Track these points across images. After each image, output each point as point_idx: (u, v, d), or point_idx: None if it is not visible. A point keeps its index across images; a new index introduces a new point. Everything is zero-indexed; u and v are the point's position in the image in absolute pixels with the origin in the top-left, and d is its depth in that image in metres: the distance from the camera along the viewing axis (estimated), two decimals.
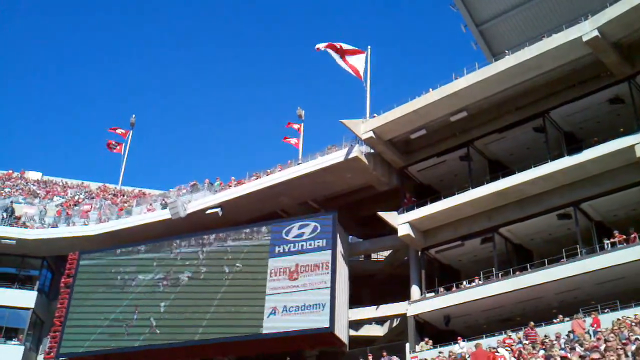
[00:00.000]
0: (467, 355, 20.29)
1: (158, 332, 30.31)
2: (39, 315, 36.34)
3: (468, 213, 27.28)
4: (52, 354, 32.05)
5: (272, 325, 28.11)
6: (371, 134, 28.16)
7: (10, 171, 49.54)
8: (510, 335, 21.48)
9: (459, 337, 24.58)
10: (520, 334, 22.06)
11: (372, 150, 29.24)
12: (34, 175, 49.47)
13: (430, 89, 27.09)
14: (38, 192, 44.04)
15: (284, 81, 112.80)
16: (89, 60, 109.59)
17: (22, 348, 34.60)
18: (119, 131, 48.50)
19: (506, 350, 18.21)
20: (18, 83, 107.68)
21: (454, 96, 26.32)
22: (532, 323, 22.12)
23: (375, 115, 28.87)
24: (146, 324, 30.75)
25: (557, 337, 19.45)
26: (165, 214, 33.34)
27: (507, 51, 26.19)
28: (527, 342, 20.36)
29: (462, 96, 26.29)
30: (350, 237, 32.84)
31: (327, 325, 27.14)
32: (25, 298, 35.86)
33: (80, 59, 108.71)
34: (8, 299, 35.58)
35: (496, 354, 16.91)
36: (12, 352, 34.36)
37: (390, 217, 29.06)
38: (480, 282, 26.23)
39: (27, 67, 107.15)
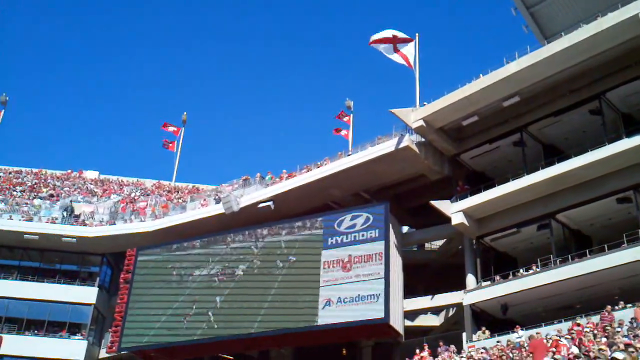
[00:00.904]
0: (525, 344, 19.90)
1: (215, 325, 30.71)
2: (100, 310, 37.35)
3: (523, 199, 26.73)
4: (114, 347, 32.89)
5: (327, 316, 28.16)
6: (422, 122, 27.86)
7: (70, 171, 51.02)
8: (578, 322, 20.88)
9: (517, 326, 24.13)
10: (584, 320, 21.43)
11: (423, 139, 28.93)
12: (91, 174, 50.80)
13: (481, 75, 26.65)
14: (96, 190, 45.20)
15: (332, 73, 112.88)
16: (143, 59, 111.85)
17: (85, 343, 35.63)
18: (170, 129, 49.71)
19: (566, 338, 17.77)
20: (75, 86, 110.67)
21: (505, 81, 25.80)
22: (608, 307, 21.24)
23: (425, 103, 28.55)
24: (203, 318, 31.18)
25: (620, 324, 18.89)
26: (218, 209, 33.75)
27: (561, 33, 25.49)
28: (603, 324, 19.77)
29: (514, 80, 25.74)
30: (403, 227, 32.63)
31: (382, 315, 27.03)
32: (86, 294, 36.91)
33: (135, 58, 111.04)
34: (70, 295, 36.71)
35: (558, 342, 16.52)
36: (76, 346, 35.45)
37: (443, 205, 28.75)
38: (538, 270, 25.67)
39: (82, 71, 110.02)
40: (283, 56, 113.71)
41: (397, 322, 28.20)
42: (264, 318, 29.70)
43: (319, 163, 32.09)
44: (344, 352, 32.19)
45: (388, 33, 30.11)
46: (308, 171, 32.17)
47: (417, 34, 31.37)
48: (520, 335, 22.80)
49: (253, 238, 32.27)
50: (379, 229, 28.92)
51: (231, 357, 33.69)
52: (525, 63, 25.18)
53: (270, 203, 32.26)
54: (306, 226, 31.07)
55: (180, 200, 40.39)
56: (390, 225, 29.23)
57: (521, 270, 26.62)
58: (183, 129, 51.46)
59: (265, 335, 29.66)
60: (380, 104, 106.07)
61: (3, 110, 48.72)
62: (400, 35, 30.21)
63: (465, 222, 27.79)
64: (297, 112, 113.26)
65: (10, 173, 49.19)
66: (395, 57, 30.13)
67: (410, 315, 29.87)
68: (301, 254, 30.57)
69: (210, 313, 31.18)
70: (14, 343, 34.78)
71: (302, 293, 29.44)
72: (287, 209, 32.38)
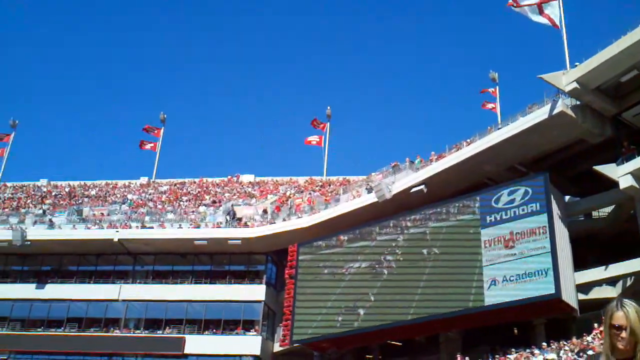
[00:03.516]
0: None
1: (381, 313, 30.89)
2: (269, 306, 38.88)
3: None
4: (286, 341, 34.14)
5: (494, 296, 27.39)
6: (575, 84, 26.20)
7: (230, 177, 53.64)
8: None
9: None
10: None
11: (578, 102, 27.23)
12: (247, 178, 53.04)
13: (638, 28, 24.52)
14: (253, 193, 47.11)
15: (472, 46, 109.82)
16: (292, 59, 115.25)
17: (259, 338, 37.24)
18: (319, 125, 51.10)
19: None
20: (224, 97, 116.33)
21: None
22: None
23: (577, 64, 26.84)
24: (368, 308, 31.45)
25: None
26: (371, 198, 33.90)
27: None
28: None
29: None
30: (566, 197, 30.93)
31: (552, 291, 25.83)
32: (255, 292, 38.59)
33: (275, 59, 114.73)
34: (241, 294, 38.57)
35: None
36: (251, 342, 37.15)
37: (609, 170, 26.88)
38: None
39: (231, 83, 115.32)
40: (425, 35, 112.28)
41: (570, 297, 26.82)
42: (430, 303, 29.45)
43: (468, 140, 31.28)
44: (516, 331, 31.12)
45: None
46: (458, 150, 31.45)
47: None
48: None
49: (407, 224, 32.06)
50: (540, 202, 27.63)
51: (399, 344, 33.73)
52: None
53: (422, 187, 31.90)
54: (462, 206, 30.38)
55: (332, 194, 41.06)
56: (552, 196, 27.83)
57: None
58: (328, 124, 52.50)
59: (431, 319, 29.38)
60: (525, 72, 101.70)
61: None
62: None
63: (636, 185, 25.77)
64: (440, 91, 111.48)
65: (175, 185, 52.58)
66: (539, 19, 28.60)
67: (584, 288, 28.23)
68: (459, 234, 29.95)
69: (369, 302, 31.40)
70: (195, 343, 37.30)
71: (464, 274, 28.85)
72: (440, 191, 31.87)
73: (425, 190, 31.85)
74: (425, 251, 30.80)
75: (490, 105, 38.68)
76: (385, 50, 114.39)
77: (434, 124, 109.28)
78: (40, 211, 44.88)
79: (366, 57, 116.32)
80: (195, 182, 53.05)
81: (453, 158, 31.18)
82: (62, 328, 39.39)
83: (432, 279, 29.87)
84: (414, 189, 32.25)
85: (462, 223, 29.97)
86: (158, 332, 38.43)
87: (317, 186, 46.70)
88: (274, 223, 38.64)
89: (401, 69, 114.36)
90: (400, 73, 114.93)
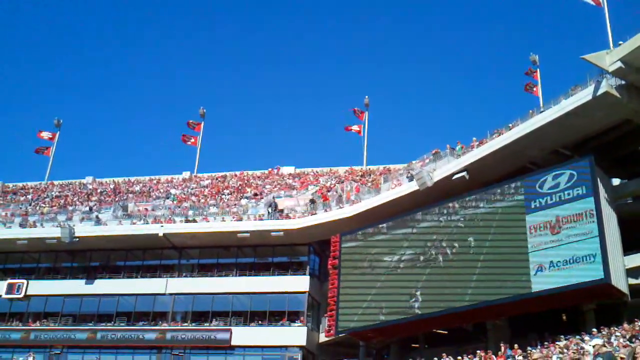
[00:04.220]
0: None
1: (426, 301, 30.70)
2: (314, 297, 39.04)
3: None
4: (331, 331, 34.22)
5: (541, 282, 26.94)
6: (619, 64, 25.40)
7: (270, 169, 53.96)
8: None
9: None
10: None
11: (623, 82, 26.45)
12: (287, 169, 53.27)
13: None
14: (294, 184, 47.28)
15: (512, 29, 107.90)
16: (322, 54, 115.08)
17: (305, 329, 37.42)
18: (357, 114, 51.31)
19: None
20: (267, 89, 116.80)
21: None
22: None
23: (620, 43, 26.09)
24: (412, 296, 31.28)
25: None
26: (412, 186, 33.66)
27: None
28: None
29: None
30: (613, 179, 30.21)
31: (601, 276, 25.26)
32: (299, 283, 38.76)
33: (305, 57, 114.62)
34: (285, 285, 38.81)
35: None
36: (297, 332, 37.37)
37: None
38: None
39: (264, 75, 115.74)
40: (463, 20, 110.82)
41: (620, 282, 26.22)
42: (473, 291, 29.13)
43: (510, 125, 30.75)
44: (564, 317, 30.58)
45: None
46: (499, 135, 30.95)
47: None
48: None
49: (450, 213, 31.70)
50: (586, 185, 27.03)
51: (445, 332, 33.50)
52: None
53: (464, 173, 31.56)
54: (505, 192, 29.90)
55: (373, 183, 40.91)
56: (598, 180, 27.19)
57: None
58: (366, 113, 52.61)
59: (477, 307, 29.07)
60: (567, 54, 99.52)
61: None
62: None
63: None
64: (479, 76, 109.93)
65: (216, 179, 53.11)
66: None
67: (634, 272, 27.53)
68: (503, 221, 29.52)
69: (417, 290, 31.22)
70: (241, 334, 37.74)
71: (510, 261, 28.45)
72: (483, 177, 31.47)
73: (467, 176, 31.49)
74: (470, 238, 30.44)
75: (532, 88, 37.93)
76: (424, 35, 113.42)
77: (475, 110, 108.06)
78: (87, 208, 45.90)
79: (403, 44, 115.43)
80: (236, 176, 53.51)
81: (495, 143, 30.71)
82: (112, 322, 40.28)
83: (477, 267, 29.51)
84: (455, 176, 31.92)
85: (506, 209, 29.51)
86: (205, 324, 38.98)
87: (357, 176, 46.60)
88: (315, 214, 38.70)
89: (440, 55, 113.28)
90: (439, 59, 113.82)
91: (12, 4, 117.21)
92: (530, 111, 30.32)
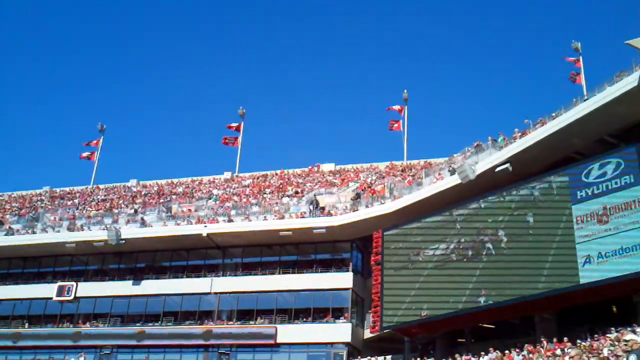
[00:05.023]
0: None
1: (466, 295, 30.39)
2: (357, 293, 38.96)
3: None
4: (376, 327, 34.11)
5: (589, 273, 26.37)
6: None
7: (310, 167, 54.10)
8: None
9: None
10: None
11: None
12: (327, 167, 53.33)
13: None
14: (334, 181, 47.28)
15: (552, 15, 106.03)
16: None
17: (349, 325, 37.39)
18: (396, 107, 51.19)
19: None
20: (304, 88, 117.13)
21: None
22: None
23: None
24: (457, 290, 31.01)
25: None
26: (454, 180, 33.34)
27: None
28: None
29: None
30: None
31: None
32: (343, 280, 38.76)
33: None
34: (329, 282, 38.85)
35: None
36: (342, 329, 37.38)
37: None
38: None
39: (303, 72, 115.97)
40: (503, 9, 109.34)
41: None
42: (521, 285, 28.65)
43: (553, 114, 30.20)
44: (614, 309, 29.90)
45: None
46: (543, 125, 30.42)
47: None
48: None
49: (494, 204, 31.30)
50: (634, 174, 26.31)
51: (492, 326, 33.07)
52: None
53: (507, 165, 31.12)
54: (550, 183, 29.38)
55: (414, 178, 40.64)
56: None
57: None
58: (406, 107, 52.39)
59: (525, 300, 28.64)
60: (609, 40, 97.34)
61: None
62: None
63: None
64: (519, 66, 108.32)
65: (257, 178, 53.48)
66: None
67: None
68: (548, 211, 29.01)
69: (461, 283, 30.93)
70: (286, 332, 37.93)
71: (556, 253, 27.94)
72: (526, 169, 30.98)
73: (510, 168, 31.05)
74: (515, 231, 30.03)
75: (575, 76, 37.17)
76: (461, 26, 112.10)
77: (516, 100, 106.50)
78: (132, 210, 46.68)
79: (441, 35, 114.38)
80: (277, 174, 53.80)
81: (538, 134, 30.19)
82: (159, 322, 40.91)
83: (524, 259, 29.06)
84: (498, 168, 31.50)
85: (552, 200, 29.01)
86: (250, 322, 39.29)
87: (398, 171, 46.38)
88: (357, 210, 38.63)
89: (479, 45, 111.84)
90: (478, 50, 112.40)
91: (62, 10, 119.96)
92: (574, 100, 29.73)
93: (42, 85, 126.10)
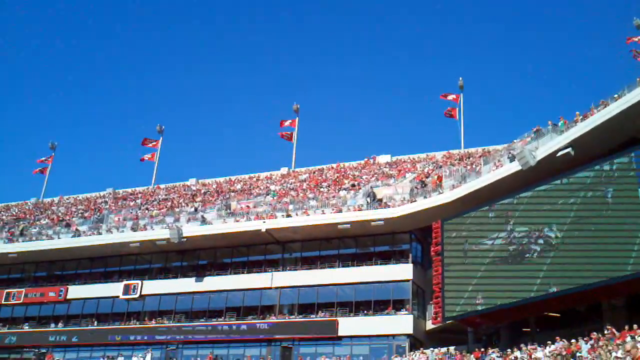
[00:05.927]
0: None
1: (528, 284, 29.69)
2: (418, 284, 38.70)
3: None
4: (438, 318, 33.74)
5: None
6: None
7: (366, 159, 53.95)
8: None
9: None
10: None
11: None
12: (383, 158, 53.06)
13: None
14: (391, 173, 46.98)
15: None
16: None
17: (411, 317, 37.17)
18: (450, 97, 50.60)
19: None
20: (358, 80, 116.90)
21: None
22: None
23: None
24: (521, 278, 30.32)
25: None
26: (514, 167, 32.63)
27: None
28: None
29: None
30: None
31: None
32: (403, 271, 38.56)
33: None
34: (389, 274, 38.72)
35: None
36: (404, 321, 37.19)
37: None
38: None
39: (357, 68, 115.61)
40: None
41: None
42: (586, 273, 27.73)
43: (616, 95, 29.19)
44: None
45: None
46: (605, 107, 29.44)
47: None
48: None
49: (557, 190, 30.47)
50: None
51: (557, 315, 32.28)
52: None
53: (569, 149, 30.23)
54: (615, 166, 28.40)
55: (473, 166, 40.01)
56: None
57: None
58: (462, 94, 51.74)
59: (592, 287, 27.80)
60: None
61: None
62: None
63: None
64: (577, 47, 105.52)
65: (314, 172, 53.68)
66: None
67: None
68: (614, 195, 28.04)
69: (524, 271, 30.26)
70: (348, 324, 37.97)
71: (625, 237, 27.01)
72: (589, 152, 30.06)
73: (572, 153, 30.17)
74: (580, 216, 29.15)
75: (638, 54, 35.78)
76: (517, 8, 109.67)
77: (575, 83, 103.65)
78: (193, 209, 47.48)
79: (496, 18, 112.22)
80: (333, 168, 53.86)
81: (600, 116, 29.23)
82: (222, 317, 41.56)
83: (591, 245, 28.15)
84: (560, 153, 30.64)
85: (617, 184, 28.04)
86: (311, 316, 39.48)
87: (455, 160, 45.75)
88: (415, 201, 38.28)
89: (535, 27, 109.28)
90: (535, 31, 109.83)
91: (120, 16, 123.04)
92: (638, 79, 28.66)
93: (101, 93, 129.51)
